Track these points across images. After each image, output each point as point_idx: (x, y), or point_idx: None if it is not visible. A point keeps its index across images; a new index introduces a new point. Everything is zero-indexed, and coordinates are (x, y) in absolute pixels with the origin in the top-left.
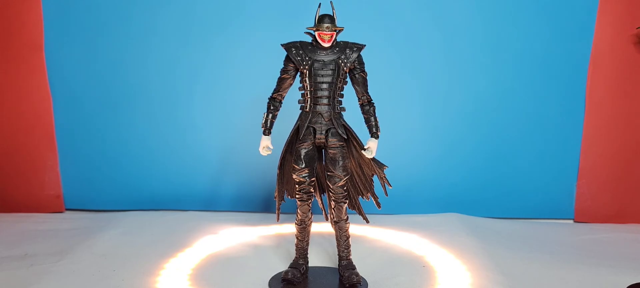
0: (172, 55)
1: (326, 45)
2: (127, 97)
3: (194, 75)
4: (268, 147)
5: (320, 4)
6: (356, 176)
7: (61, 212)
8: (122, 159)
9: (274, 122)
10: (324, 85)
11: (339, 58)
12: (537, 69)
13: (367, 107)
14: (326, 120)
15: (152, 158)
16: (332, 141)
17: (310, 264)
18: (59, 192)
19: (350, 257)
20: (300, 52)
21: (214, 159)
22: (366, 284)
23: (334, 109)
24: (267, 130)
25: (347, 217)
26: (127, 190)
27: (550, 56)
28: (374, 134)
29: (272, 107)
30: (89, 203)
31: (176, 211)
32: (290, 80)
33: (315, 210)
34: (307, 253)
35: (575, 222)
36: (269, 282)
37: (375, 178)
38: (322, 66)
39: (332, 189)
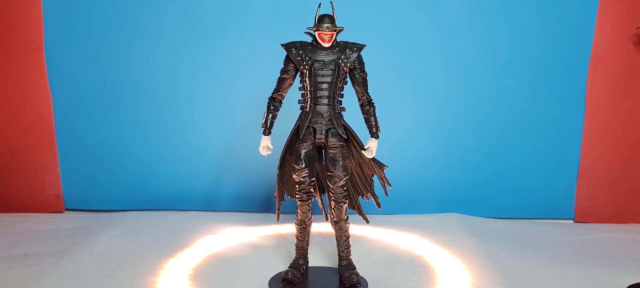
0: (172, 55)
1: (326, 45)
2: (127, 97)
3: (194, 75)
4: (268, 147)
5: (320, 4)
6: (356, 176)
7: (61, 212)
8: (122, 159)
9: (274, 122)
10: (324, 85)
11: (339, 58)
12: (537, 69)
13: (367, 107)
14: (326, 120)
15: (152, 159)
16: (332, 141)
17: (310, 264)
18: (59, 192)
19: (350, 257)
20: (300, 52)
21: (214, 159)
22: (366, 284)
23: (334, 109)
24: (267, 130)
25: (347, 217)
26: (127, 190)
27: (550, 56)
28: (374, 134)
29: (272, 107)
30: (89, 203)
31: (176, 211)
32: (290, 80)
33: (315, 210)
34: (307, 253)
35: (575, 222)
36: (269, 282)
37: (375, 178)
38: (322, 66)
39: (332, 189)
